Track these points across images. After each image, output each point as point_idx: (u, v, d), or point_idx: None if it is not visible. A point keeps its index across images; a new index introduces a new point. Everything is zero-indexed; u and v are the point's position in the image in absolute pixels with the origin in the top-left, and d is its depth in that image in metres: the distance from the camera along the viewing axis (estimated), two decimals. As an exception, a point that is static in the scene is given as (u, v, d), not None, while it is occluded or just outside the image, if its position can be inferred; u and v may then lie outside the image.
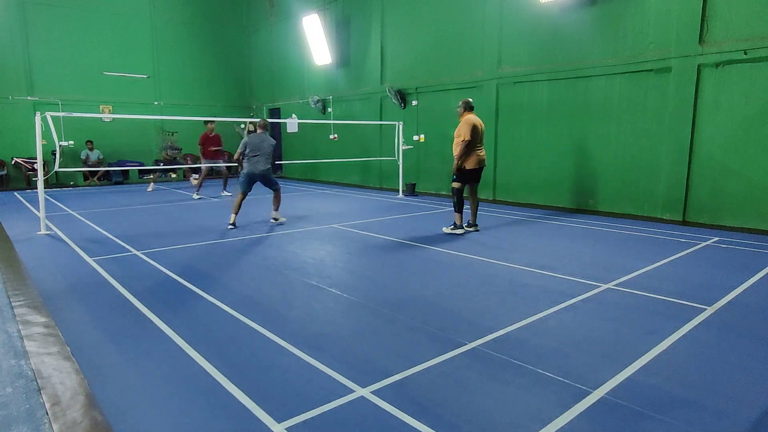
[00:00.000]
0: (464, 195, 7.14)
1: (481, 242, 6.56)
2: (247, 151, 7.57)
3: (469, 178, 7.07)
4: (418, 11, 12.12)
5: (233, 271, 5.21)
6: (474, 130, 6.79)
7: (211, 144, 11.34)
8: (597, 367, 2.98)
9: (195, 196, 11.43)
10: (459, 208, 7.04)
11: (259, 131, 7.77)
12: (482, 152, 7.03)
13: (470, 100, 7.18)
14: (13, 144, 14.59)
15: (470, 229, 7.20)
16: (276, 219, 8.09)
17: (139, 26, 16.43)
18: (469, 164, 6.92)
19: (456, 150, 6.95)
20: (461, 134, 6.82)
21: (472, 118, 6.91)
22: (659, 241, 6.63)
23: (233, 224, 7.58)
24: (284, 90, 17.40)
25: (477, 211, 7.38)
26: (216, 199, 11.33)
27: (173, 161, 13.83)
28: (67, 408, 2.52)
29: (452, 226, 7.12)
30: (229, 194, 12.09)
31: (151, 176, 14.60)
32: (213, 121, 11.34)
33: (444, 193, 11.90)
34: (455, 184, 7.06)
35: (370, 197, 11.72)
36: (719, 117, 7.56)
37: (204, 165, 11.50)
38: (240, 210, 7.70)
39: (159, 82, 16.96)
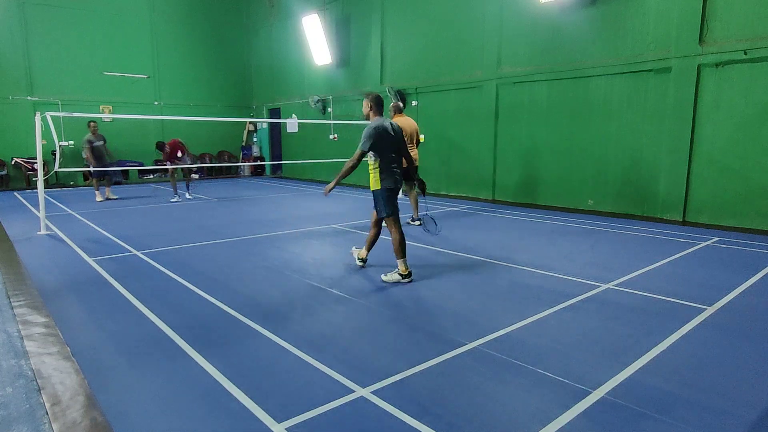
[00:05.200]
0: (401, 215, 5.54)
1: (481, 242, 6.56)
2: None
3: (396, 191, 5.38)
4: (417, 11, 12.11)
5: (234, 271, 5.21)
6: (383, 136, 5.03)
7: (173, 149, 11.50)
8: (597, 367, 2.98)
9: (188, 196, 11.62)
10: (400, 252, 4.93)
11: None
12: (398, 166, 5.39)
13: (400, 104, 6.29)
14: (13, 144, 14.59)
15: (414, 224, 6.17)
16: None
17: (138, 26, 16.43)
18: (387, 182, 5.37)
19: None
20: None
21: (401, 120, 5.81)
22: (659, 241, 6.63)
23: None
24: (284, 90, 17.40)
25: (417, 204, 6.11)
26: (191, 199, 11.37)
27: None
28: (67, 408, 2.52)
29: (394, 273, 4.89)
30: (191, 198, 11.59)
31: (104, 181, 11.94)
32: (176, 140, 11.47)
33: (443, 193, 11.90)
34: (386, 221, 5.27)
35: (370, 197, 11.71)
36: (719, 117, 7.56)
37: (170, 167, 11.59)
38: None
39: (159, 82, 16.96)
